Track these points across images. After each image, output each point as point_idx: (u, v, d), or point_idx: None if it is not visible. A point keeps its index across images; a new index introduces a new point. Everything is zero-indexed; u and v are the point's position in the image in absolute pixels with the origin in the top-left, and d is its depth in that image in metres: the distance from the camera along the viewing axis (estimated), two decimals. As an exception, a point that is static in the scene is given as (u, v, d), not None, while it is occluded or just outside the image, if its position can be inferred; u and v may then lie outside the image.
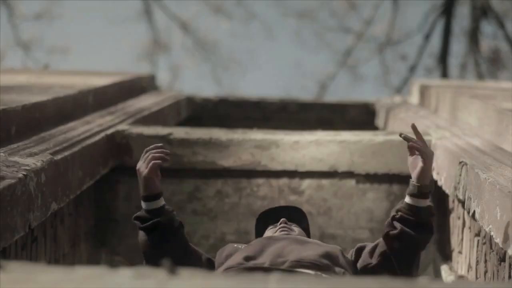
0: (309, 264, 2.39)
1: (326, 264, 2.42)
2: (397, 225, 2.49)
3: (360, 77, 13.73)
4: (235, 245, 2.65)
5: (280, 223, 2.77)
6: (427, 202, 2.51)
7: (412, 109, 4.93)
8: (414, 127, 2.56)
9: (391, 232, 2.50)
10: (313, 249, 2.48)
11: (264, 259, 2.44)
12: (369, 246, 2.59)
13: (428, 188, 2.51)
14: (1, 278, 1.24)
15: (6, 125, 2.80)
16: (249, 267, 2.40)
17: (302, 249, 2.48)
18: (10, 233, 2.23)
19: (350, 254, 2.59)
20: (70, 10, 15.40)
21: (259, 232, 2.85)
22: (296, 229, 2.78)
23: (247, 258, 2.46)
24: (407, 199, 2.51)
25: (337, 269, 2.44)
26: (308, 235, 2.88)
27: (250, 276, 1.31)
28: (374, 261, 2.53)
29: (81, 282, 1.24)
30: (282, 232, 2.70)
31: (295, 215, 2.90)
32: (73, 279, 1.25)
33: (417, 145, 2.50)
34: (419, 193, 2.49)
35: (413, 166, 2.52)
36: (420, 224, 2.49)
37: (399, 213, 2.50)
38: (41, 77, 4.88)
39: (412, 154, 2.54)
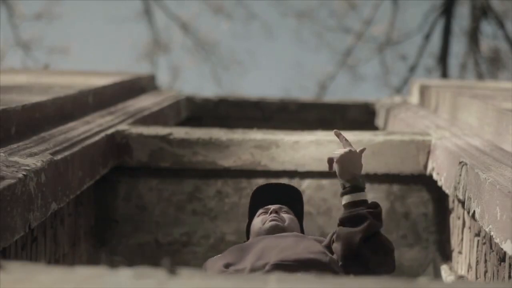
0: (291, 263, 2.39)
1: (309, 259, 2.43)
2: (337, 228, 2.56)
3: (360, 77, 13.74)
4: (214, 258, 2.68)
5: (271, 213, 2.78)
6: (360, 196, 2.55)
7: (412, 109, 4.93)
8: (336, 133, 2.67)
9: (333, 237, 2.55)
10: (291, 248, 2.49)
11: (245, 264, 2.46)
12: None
13: (351, 182, 2.56)
14: (1, 278, 1.24)
15: (6, 125, 2.80)
16: (230, 273, 2.41)
17: (281, 249, 2.49)
18: (10, 233, 2.23)
19: (328, 238, 2.62)
20: (70, 10, 15.40)
21: (252, 212, 2.89)
22: (287, 217, 2.79)
23: (227, 265, 2.48)
24: (342, 201, 2.59)
25: (323, 256, 2.46)
26: (301, 218, 2.89)
27: (250, 276, 1.31)
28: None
29: (81, 282, 1.24)
30: (272, 222, 2.73)
31: (290, 196, 2.92)
32: (73, 279, 1.25)
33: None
34: (344, 190, 2.57)
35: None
36: (353, 216, 2.51)
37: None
38: (41, 77, 4.88)
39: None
